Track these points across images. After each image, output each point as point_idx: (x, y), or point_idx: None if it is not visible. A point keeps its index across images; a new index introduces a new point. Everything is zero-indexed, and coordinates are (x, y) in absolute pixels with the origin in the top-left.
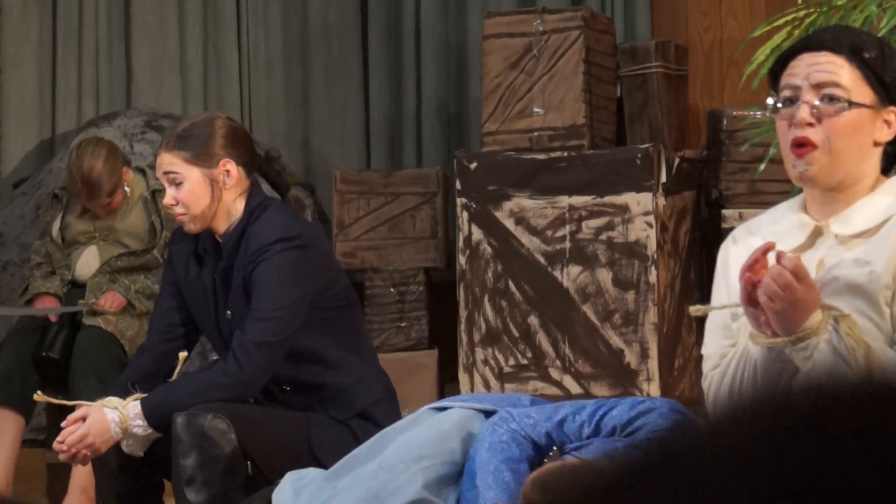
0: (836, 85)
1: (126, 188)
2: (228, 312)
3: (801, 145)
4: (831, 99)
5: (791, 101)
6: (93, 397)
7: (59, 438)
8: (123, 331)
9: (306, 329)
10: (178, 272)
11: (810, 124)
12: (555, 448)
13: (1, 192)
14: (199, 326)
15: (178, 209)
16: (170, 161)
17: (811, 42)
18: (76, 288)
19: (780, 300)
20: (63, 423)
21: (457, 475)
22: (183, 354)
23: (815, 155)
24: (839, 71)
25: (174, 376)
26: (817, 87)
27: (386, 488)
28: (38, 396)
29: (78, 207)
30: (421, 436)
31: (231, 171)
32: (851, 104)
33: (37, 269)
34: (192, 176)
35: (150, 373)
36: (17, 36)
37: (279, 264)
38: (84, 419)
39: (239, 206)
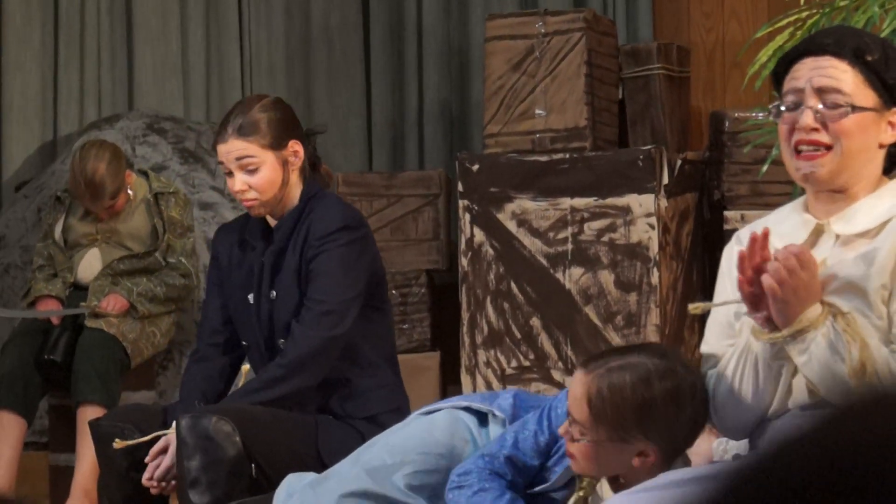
0: (839, 91)
1: (129, 191)
2: (273, 293)
3: (810, 148)
4: (834, 105)
5: (795, 106)
6: (94, 400)
7: (146, 475)
8: (126, 333)
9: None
10: (221, 263)
11: (815, 129)
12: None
13: (3, 194)
14: (231, 313)
15: (250, 195)
16: (243, 147)
17: (813, 45)
18: (78, 290)
19: (785, 286)
20: (147, 459)
21: (442, 482)
22: (245, 367)
23: (827, 158)
24: (842, 75)
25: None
26: (820, 91)
27: (366, 488)
28: (118, 444)
29: (80, 210)
30: (407, 441)
31: (298, 152)
32: (854, 108)
33: (39, 272)
34: (268, 161)
35: (215, 386)
36: (18, 39)
37: (345, 254)
38: (165, 450)
39: (297, 189)
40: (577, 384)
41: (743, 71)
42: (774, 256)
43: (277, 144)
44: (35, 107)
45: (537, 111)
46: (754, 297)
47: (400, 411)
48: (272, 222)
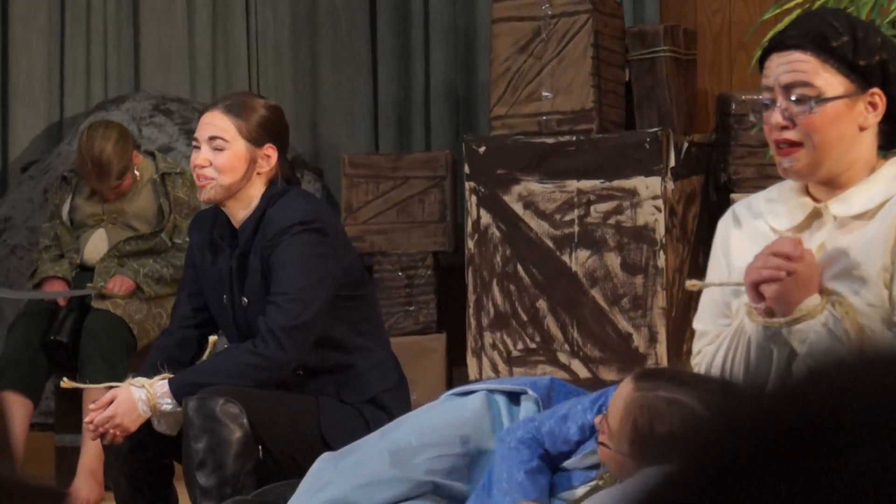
0: (804, 84)
1: (135, 171)
2: (245, 299)
3: (785, 145)
4: (799, 99)
5: (769, 104)
6: (101, 381)
7: (87, 419)
8: (132, 314)
9: (325, 316)
10: (196, 259)
11: (785, 127)
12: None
13: (9, 175)
14: (213, 315)
15: (208, 172)
16: (222, 125)
17: (777, 42)
18: (85, 271)
19: (783, 278)
20: (91, 406)
21: (468, 465)
22: (213, 338)
23: (801, 153)
24: (806, 68)
25: (204, 358)
26: (786, 88)
27: (384, 474)
28: (65, 383)
29: (87, 190)
30: (435, 421)
31: (271, 158)
32: (819, 101)
33: (45, 253)
34: (237, 146)
35: (174, 355)
36: (24, 19)
37: (300, 246)
38: (112, 401)
39: (258, 192)
40: (622, 396)
41: (750, 53)
42: (770, 252)
43: (254, 140)
44: (41, 87)
45: (544, 93)
46: (754, 286)
47: (399, 388)
48: (237, 224)
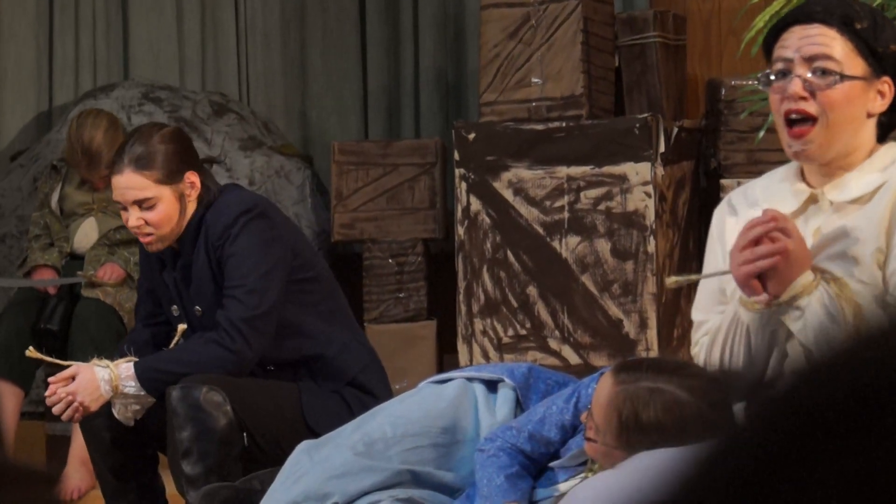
0: (828, 57)
1: None
2: (197, 308)
3: (798, 121)
4: (823, 72)
5: (784, 74)
6: None
7: (47, 392)
8: (122, 303)
9: (282, 301)
10: (146, 266)
11: (803, 98)
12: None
13: None
14: (170, 322)
15: (146, 230)
16: (140, 184)
17: (802, 14)
18: (75, 260)
19: (772, 253)
20: (51, 379)
21: (445, 454)
22: (182, 326)
23: (814, 132)
24: (831, 43)
25: (172, 346)
26: (809, 59)
27: (358, 465)
28: (31, 352)
29: (77, 179)
30: (411, 412)
31: (195, 183)
32: (843, 77)
33: (35, 241)
34: (164, 196)
35: (144, 351)
36: (13, 7)
37: (248, 236)
38: (74, 377)
39: (192, 209)
40: (604, 391)
41: (739, 38)
42: (749, 239)
43: (173, 178)
44: (30, 76)
45: (533, 79)
46: (750, 280)
47: (371, 368)
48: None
